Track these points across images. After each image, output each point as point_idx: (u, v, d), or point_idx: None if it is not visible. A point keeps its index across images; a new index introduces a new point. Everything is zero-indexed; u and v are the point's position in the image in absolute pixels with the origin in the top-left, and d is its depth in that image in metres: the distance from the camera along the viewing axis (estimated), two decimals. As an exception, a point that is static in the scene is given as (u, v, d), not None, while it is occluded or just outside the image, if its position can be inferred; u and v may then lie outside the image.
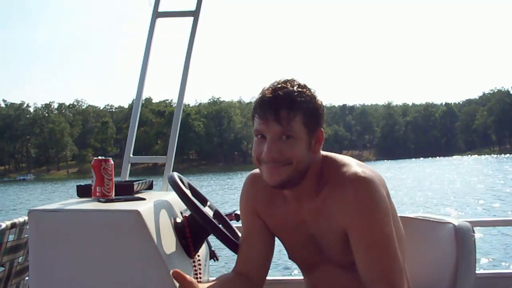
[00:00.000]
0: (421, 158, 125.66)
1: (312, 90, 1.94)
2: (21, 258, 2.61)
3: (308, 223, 2.04)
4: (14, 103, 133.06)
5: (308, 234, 2.07)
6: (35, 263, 2.15)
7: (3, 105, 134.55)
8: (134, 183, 2.59)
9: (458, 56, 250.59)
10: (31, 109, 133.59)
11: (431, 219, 2.41)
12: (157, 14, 3.44)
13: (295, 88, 1.89)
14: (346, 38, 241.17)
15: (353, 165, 1.97)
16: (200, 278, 2.46)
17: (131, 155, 3.33)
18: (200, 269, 2.47)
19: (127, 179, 3.26)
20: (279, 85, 1.90)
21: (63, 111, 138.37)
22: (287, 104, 1.85)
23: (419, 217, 2.45)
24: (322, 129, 1.96)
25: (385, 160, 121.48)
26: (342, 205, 1.91)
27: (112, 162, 2.39)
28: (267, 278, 2.23)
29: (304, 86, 1.92)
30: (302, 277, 2.31)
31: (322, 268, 2.13)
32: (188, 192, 2.33)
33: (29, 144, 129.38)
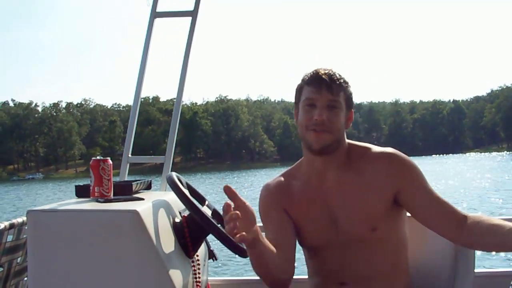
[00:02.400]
0: (430, 156, 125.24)
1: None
2: (19, 258, 2.62)
3: (330, 195, 2.28)
4: (22, 103, 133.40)
5: (327, 207, 2.28)
6: (34, 263, 2.15)
7: (12, 104, 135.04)
8: (133, 183, 2.58)
9: (466, 53, 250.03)
10: (39, 109, 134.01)
11: None
12: (155, 14, 3.44)
13: (337, 73, 2.27)
14: (353, 35, 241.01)
15: (376, 146, 2.34)
16: (199, 278, 2.46)
17: (130, 155, 3.33)
18: (199, 269, 2.48)
19: (125, 179, 3.26)
20: (327, 68, 2.28)
21: (71, 110, 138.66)
22: (336, 79, 2.24)
23: None
24: (353, 110, 2.32)
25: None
26: (389, 170, 2.23)
27: (111, 162, 2.40)
28: None
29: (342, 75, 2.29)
30: (302, 277, 2.34)
31: (334, 247, 2.28)
32: (186, 192, 2.34)
33: (37, 143, 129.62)
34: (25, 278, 2.69)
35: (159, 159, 3.33)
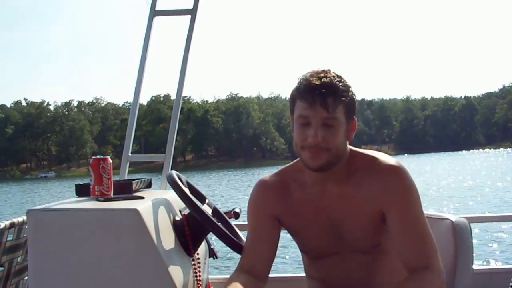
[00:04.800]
0: (442, 152, 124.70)
1: (347, 81, 2.06)
2: (20, 257, 2.63)
3: (331, 208, 2.13)
4: (35, 102, 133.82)
5: (328, 219, 2.14)
6: (34, 262, 2.17)
7: (24, 103, 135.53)
8: (133, 182, 2.59)
9: (478, 48, 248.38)
10: (51, 108, 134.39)
11: (429, 215, 2.39)
12: (154, 13, 3.44)
13: (336, 78, 2.01)
14: (364, 31, 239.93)
15: (385, 155, 2.13)
16: (200, 276, 2.47)
17: (130, 154, 3.34)
18: (199, 267, 2.48)
19: (125, 178, 3.27)
20: (322, 74, 2.01)
21: (82, 109, 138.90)
22: (333, 91, 1.97)
23: None
24: (355, 117, 2.09)
25: (404, 155, 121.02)
26: (382, 187, 2.05)
27: (111, 161, 2.41)
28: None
29: (342, 77, 2.04)
30: (300, 274, 2.33)
31: (336, 256, 2.20)
32: (186, 190, 2.34)
33: (50, 142, 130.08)
34: (26, 277, 2.71)
35: (159, 158, 3.34)
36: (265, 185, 2.26)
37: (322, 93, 1.96)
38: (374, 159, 2.12)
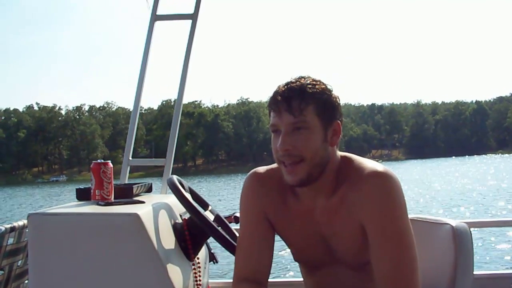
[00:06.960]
0: (453, 157, 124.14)
1: (327, 85, 1.95)
2: (20, 261, 2.63)
3: (321, 224, 2.02)
4: (46, 106, 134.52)
5: (320, 234, 2.04)
6: (35, 266, 2.17)
7: (36, 108, 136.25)
8: (133, 186, 2.60)
9: (489, 52, 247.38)
10: (63, 112, 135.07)
11: (429, 220, 2.40)
12: (155, 17, 3.44)
13: (308, 81, 1.92)
14: (374, 37, 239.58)
15: (371, 162, 1.97)
16: (200, 281, 2.47)
17: (130, 158, 3.34)
18: (199, 271, 2.49)
19: (126, 182, 3.28)
20: (293, 80, 1.93)
21: (93, 113, 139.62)
22: (298, 94, 1.88)
23: (417, 218, 2.44)
24: (339, 121, 1.96)
25: (415, 160, 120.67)
26: (359, 199, 1.90)
27: (111, 166, 2.42)
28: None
29: (318, 81, 1.94)
30: (300, 279, 2.31)
31: (330, 269, 2.10)
32: (187, 194, 2.35)
33: (61, 146, 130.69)
34: (26, 281, 2.71)
35: (160, 162, 3.33)
36: (263, 178, 2.13)
37: (287, 98, 1.89)
38: (359, 168, 1.96)
